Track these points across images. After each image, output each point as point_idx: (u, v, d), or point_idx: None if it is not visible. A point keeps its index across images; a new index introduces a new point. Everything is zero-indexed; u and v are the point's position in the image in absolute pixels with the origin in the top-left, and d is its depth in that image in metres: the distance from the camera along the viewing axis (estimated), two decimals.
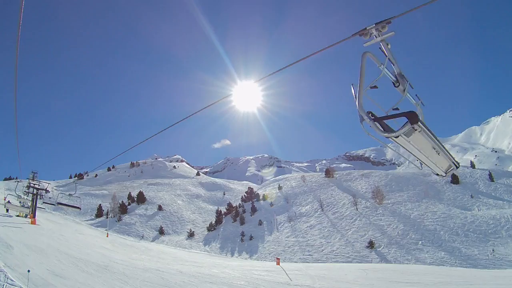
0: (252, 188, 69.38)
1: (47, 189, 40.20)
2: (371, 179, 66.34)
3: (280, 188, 68.44)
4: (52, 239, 22.44)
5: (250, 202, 64.14)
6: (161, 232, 58.08)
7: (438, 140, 3.72)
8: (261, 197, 64.97)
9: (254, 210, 59.56)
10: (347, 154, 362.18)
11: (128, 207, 68.55)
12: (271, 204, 60.76)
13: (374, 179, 66.44)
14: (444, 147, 3.93)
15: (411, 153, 3.83)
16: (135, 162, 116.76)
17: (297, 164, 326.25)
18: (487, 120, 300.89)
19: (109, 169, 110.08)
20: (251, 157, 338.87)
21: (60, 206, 33.01)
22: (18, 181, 40.10)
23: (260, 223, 54.68)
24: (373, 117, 3.46)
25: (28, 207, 38.11)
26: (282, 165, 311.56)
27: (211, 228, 57.57)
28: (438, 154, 3.96)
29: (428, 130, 3.38)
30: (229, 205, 64.01)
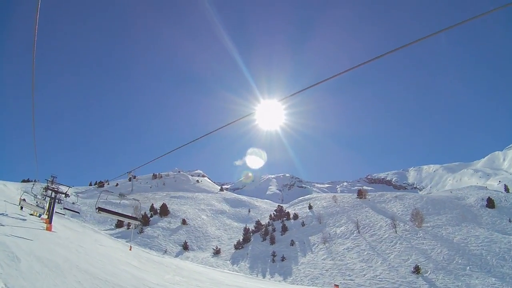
0: (281, 206, 66.15)
1: (67, 192, 37.99)
2: (406, 202, 62.42)
3: (310, 207, 65.03)
4: (69, 250, 18.87)
5: (280, 220, 60.99)
6: (185, 247, 55.38)
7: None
8: (291, 216, 61.62)
9: (285, 229, 56.26)
10: (368, 177, 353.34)
11: (151, 219, 66.46)
12: (303, 224, 57.32)
13: (409, 201, 62.53)
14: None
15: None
16: (157, 173, 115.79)
17: (318, 185, 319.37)
18: (510, 146, 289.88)
19: (130, 179, 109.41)
20: (272, 176, 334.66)
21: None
22: (35, 181, 38.76)
23: (292, 243, 51.29)
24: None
25: (42, 207, 37.69)
26: (303, 185, 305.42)
27: (238, 246, 54.49)
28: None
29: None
30: (258, 223, 60.93)
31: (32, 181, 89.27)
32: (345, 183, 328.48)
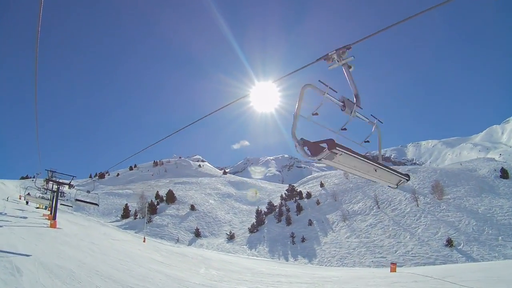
0: (293, 186, 63.38)
1: (71, 183, 33.93)
2: (420, 175, 59.95)
3: (322, 185, 62.44)
4: (81, 250, 15.44)
5: (293, 200, 58.45)
6: (197, 234, 52.68)
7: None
8: (304, 195, 58.98)
9: (299, 209, 53.69)
10: (366, 154, 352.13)
11: (158, 207, 63.34)
12: (318, 202, 54.76)
13: (423, 174, 60.23)
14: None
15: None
16: (158, 161, 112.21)
17: (317, 165, 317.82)
18: (508, 119, 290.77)
19: (131, 168, 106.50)
20: (271, 158, 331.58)
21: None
22: (37, 174, 35.67)
23: (310, 223, 48.84)
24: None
25: (48, 199, 35.71)
26: (302, 165, 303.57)
27: (253, 229, 51.94)
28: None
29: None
30: (270, 204, 58.25)
31: (31, 178, 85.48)
32: None
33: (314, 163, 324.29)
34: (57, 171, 32.56)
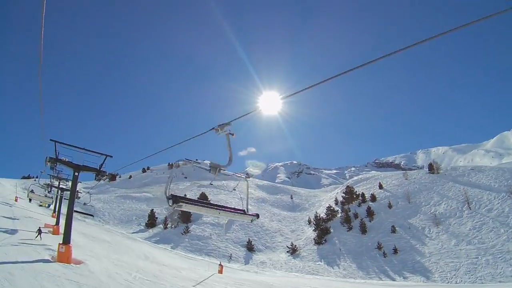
0: (351, 188, 54.63)
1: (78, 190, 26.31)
2: (488, 173, 51.76)
3: (381, 186, 54.14)
4: None
5: (355, 204, 49.78)
6: (250, 248, 43.25)
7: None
8: (367, 198, 50.36)
9: (370, 214, 45.11)
10: (376, 161, 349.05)
11: (191, 214, 53.25)
12: (390, 206, 46.33)
13: (490, 173, 52.62)
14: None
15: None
16: (173, 163, 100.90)
17: (326, 171, 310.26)
18: None
19: (144, 171, 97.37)
20: (279, 164, 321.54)
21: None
22: (41, 172, 30.32)
23: (393, 230, 40.36)
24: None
25: (51, 197, 34.29)
26: (311, 172, 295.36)
27: (319, 240, 42.94)
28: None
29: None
30: (330, 209, 49.34)
31: (33, 177, 75.32)
32: (353, 168, 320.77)
33: (323, 170, 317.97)
34: (63, 172, 27.36)
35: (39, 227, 18.09)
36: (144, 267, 17.22)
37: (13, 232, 17.93)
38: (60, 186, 29.14)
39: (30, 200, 37.41)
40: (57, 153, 14.74)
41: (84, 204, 43.43)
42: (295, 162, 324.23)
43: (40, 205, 38.73)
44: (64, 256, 12.73)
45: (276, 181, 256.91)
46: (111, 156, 15.38)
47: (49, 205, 38.92)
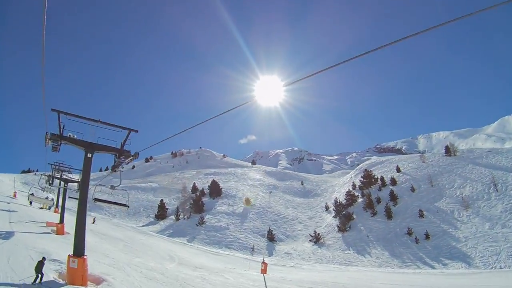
0: (370, 171, 52.83)
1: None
2: (506, 155, 50.71)
3: (399, 170, 52.56)
4: None
5: (376, 189, 48.13)
6: (271, 238, 41.46)
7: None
8: (387, 182, 48.74)
9: (394, 198, 43.57)
10: (377, 147, 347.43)
11: (204, 202, 51.13)
12: (413, 189, 44.81)
13: (508, 154, 51.27)
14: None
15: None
16: (177, 151, 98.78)
17: (327, 157, 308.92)
18: None
19: (147, 160, 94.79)
20: (280, 150, 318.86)
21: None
22: (42, 174, 30.26)
23: (421, 214, 38.95)
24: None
25: (52, 200, 35.07)
26: (313, 158, 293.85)
27: (343, 227, 41.35)
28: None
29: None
30: (349, 194, 47.70)
31: (33, 171, 71.85)
32: (354, 154, 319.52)
33: (324, 156, 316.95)
34: (64, 164, 26.89)
35: (42, 258, 9.53)
36: (185, 277, 14.65)
37: (7, 236, 15.49)
38: (63, 176, 26.67)
39: (30, 203, 35.92)
40: (61, 128, 10.73)
41: (112, 187, 37.99)
42: (296, 148, 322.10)
43: (41, 208, 37.12)
44: (77, 274, 9.25)
45: (278, 167, 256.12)
46: (137, 131, 11.56)
47: (49, 207, 37.74)
